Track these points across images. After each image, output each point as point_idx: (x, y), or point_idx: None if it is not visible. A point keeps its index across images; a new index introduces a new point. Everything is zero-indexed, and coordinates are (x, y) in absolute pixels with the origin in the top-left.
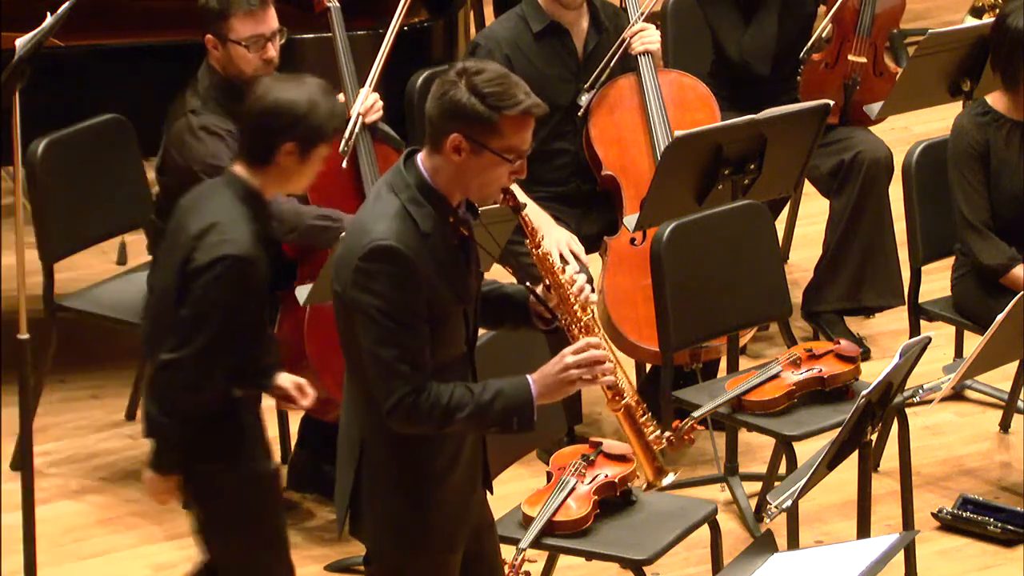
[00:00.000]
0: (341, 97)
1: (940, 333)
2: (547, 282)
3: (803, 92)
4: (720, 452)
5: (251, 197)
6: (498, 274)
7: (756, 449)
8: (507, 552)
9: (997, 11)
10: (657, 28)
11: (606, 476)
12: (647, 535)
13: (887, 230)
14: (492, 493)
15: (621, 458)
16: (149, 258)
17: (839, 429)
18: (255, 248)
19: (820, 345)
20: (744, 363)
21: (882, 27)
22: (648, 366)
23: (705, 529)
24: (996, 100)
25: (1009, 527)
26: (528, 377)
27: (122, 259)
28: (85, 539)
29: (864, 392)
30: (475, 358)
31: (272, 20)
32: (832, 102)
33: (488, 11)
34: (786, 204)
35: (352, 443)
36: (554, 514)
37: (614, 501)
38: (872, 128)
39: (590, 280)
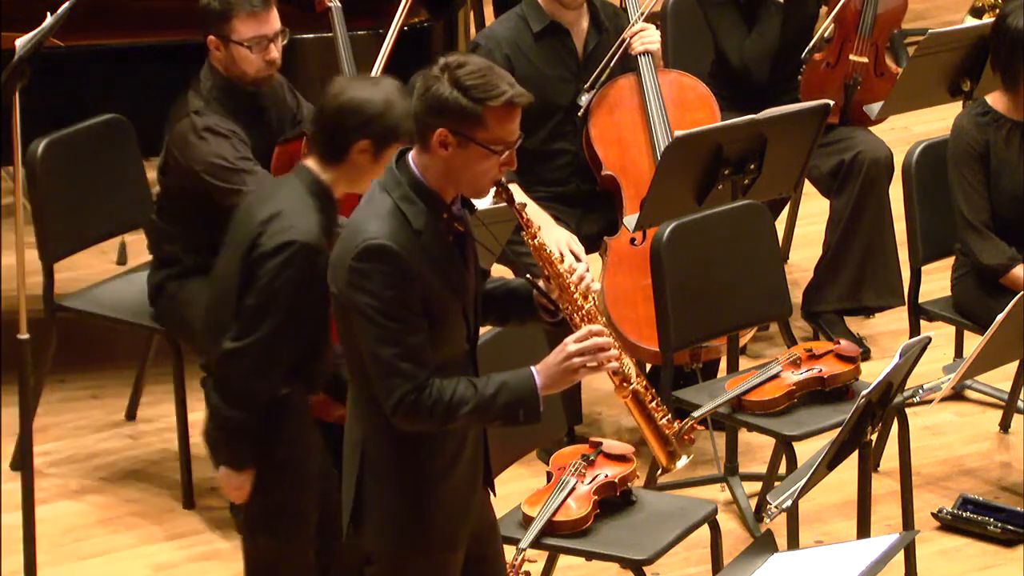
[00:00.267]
0: None
1: (940, 333)
2: (546, 273)
3: (804, 92)
4: (720, 452)
5: (320, 191)
6: (500, 273)
7: (756, 449)
8: (507, 552)
9: (997, 11)
10: (657, 28)
11: (606, 476)
12: (647, 535)
13: (887, 230)
14: (495, 494)
15: (621, 458)
16: (149, 258)
17: (839, 429)
18: (320, 239)
19: (820, 345)
20: (744, 363)
21: (884, 27)
22: (648, 366)
23: (705, 529)
24: (996, 100)
25: (1009, 527)
26: (532, 368)
27: (122, 259)
28: (85, 539)
29: (864, 392)
30: (477, 356)
31: (274, 21)
32: (832, 102)
33: (488, 11)
34: (786, 204)
35: (354, 444)
36: (554, 514)
37: (614, 501)
38: (872, 128)
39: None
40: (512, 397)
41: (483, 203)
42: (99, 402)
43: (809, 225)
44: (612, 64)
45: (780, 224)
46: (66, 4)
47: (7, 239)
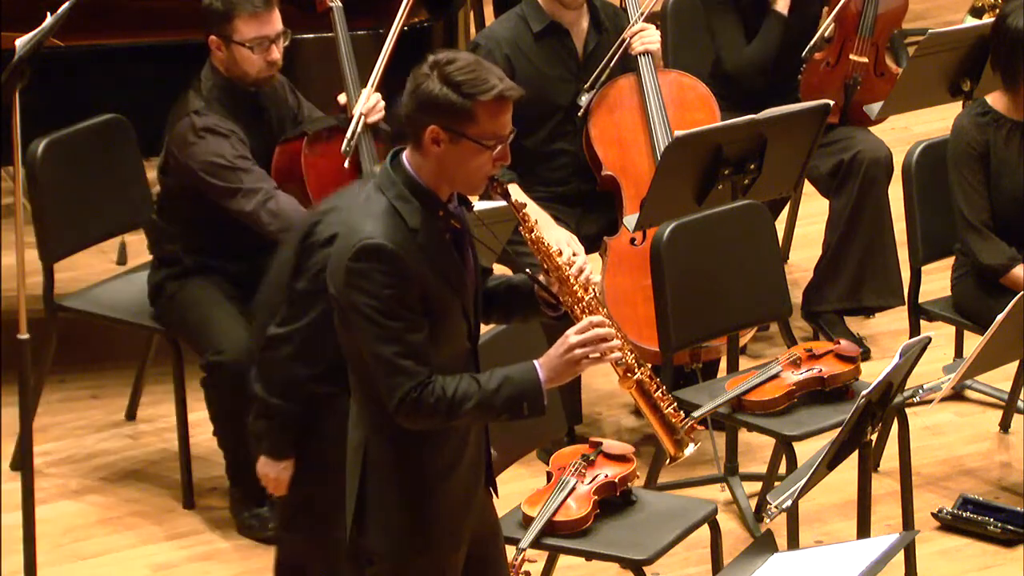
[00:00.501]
0: (343, 98)
1: (940, 333)
2: (545, 266)
3: (804, 91)
4: (720, 452)
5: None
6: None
7: (756, 449)
8: (507, 552)
9: (997, 11)
10: (657, 28)
11: (606, 476)
12: (647, 535)
13: (887, 230)
14: (498, 496)
15: (621, 458)
16: (149, 258)
17: (839, 429)
18: None
19: (820, 345)
20: (744, 363)
21: (884, 27)
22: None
23: (705, 529)
24: (996, 100)
25: (1009, 527)
26: (535, 362)
27: (122, 259)
28: (85, 539)
29: (864, 392)
30: (479, 355)
31: (276, 22)
32: (832, 102)
33: (488, 11)
34: (786, 204)
35: (357, 445)
36: (554, 514)
37: (614, 501)
38: (872, 128)
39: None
40: (515, 391)
41: (486, 203)
42: (99, 402)
43: (809, 225)
44: (612, 64)
45: (780, 224)
46: (66, 4)
47: (7, 239)
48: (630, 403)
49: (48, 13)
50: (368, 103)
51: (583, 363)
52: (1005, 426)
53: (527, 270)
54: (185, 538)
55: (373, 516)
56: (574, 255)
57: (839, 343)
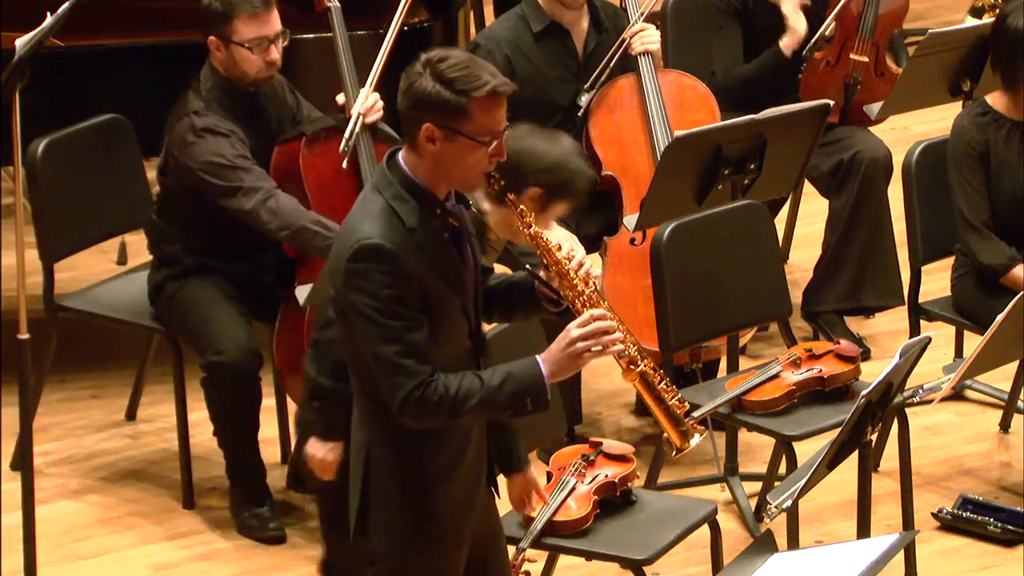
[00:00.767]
0: (341, 98)
1: (940, 333)
2: (545, 261)
3: (804, 91)
4: (720, 452)
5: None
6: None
7: (756, 449)
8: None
9: (997, 11)
10: (657, 28)
11: (606, 476)
12: (647, 535)
13: (886, 230)
14: (500, 496)
15: (621, 458)
16: (149, 258)
17: (839, 429)
18: None
19: (820, 345)
20: (744, 363)
21: (885, 27)
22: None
23: (705, 529)
24: (996, 100)
25: (1009, 527)
26: (537, 357)
27: (122, 259)
28: (85, 539)
29: (864, 392)
30: (480, 354)
31: (275, 22)
32: (832, 102)
33: (488, 11)
34: (784, 202)
35: (359, 446)
36: (554, 514)
37: (614, 501)
38: (872, 128)
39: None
40: (519, 386)
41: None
42: (99, 402)
43: (809, 225)
44: (612, 64)
45: (780, 224)
46: (66, 4)
47: (7, 239)
48: (630, 403)
49: (48, 13)
50: (366, 103)
51: (585, 356)
52: (1005, 426)
53: (527, 266)
54: (185, 538)
55: (375, 516)
56: (572, 251)
57: (839, 343)
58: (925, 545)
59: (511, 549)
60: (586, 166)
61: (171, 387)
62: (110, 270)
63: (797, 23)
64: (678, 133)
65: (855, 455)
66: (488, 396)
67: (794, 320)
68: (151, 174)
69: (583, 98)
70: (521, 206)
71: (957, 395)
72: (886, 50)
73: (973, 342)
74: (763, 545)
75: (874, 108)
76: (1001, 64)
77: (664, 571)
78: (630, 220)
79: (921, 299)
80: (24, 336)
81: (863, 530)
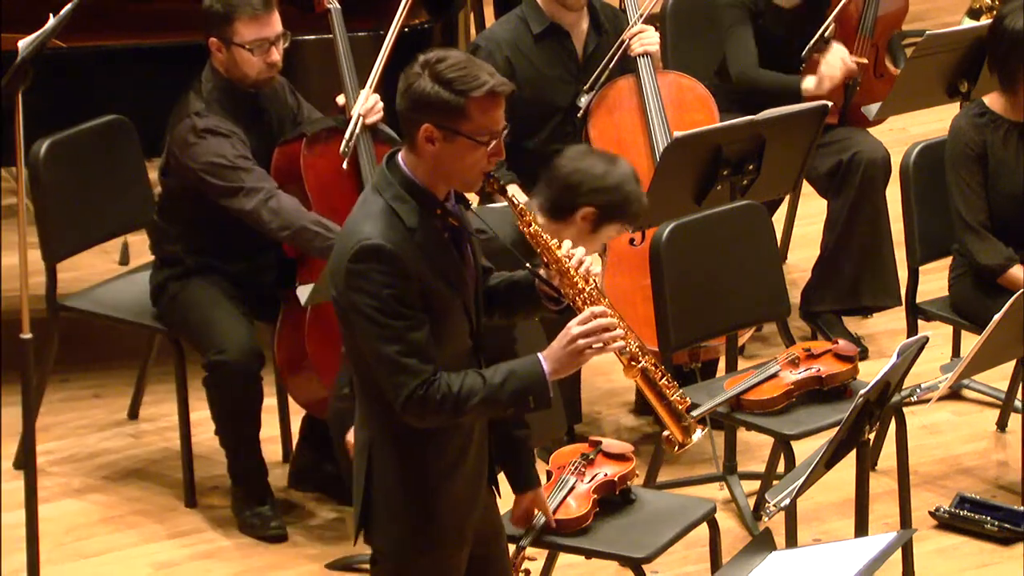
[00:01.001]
0: (341, 99)
1: (937, 333)
2: (545, 259)
3: None
4: (719, 451)
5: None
6: None
7: (754, 448)
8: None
9: (995, 12)
10: (656, 29)
11: (605, 475)
12: (646, 534)
13: (884, 230)
14: (501, 496)
15: (620, 457)
16: (151, 258)
17: (837, 428)
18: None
19: (818, 345)
20: (743, 363)
21: (884, 29)
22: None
23: (704, 528)
24: (993, 101)
25: (1006, 526)
26: (538, 355)
27: (124, 259)
28: (87, 538)
29: (862, 391)
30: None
31: (276, 24)
32: (831, 103)
33: (488, 12)
34: (782, 202)
35: (362, 445)
36: (554, 512)
37: (613, 500)
38: (870, 129)
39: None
40: (521, 384)
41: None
42: (101, 401)
43: (808, 225)
44: (611, 65)
45: (778, 224)
46: (69, 6)
47: (10, 239)
48: (630, 402)
49: (51, 15)
50: (367, 104)
51: (587, 353)
52: (1002, 425)
53: (527, 265)
54: (187, 536)
55: (378, 515)
56: (572, 249)
57: (837, 343)
58: (922, 544)
59: (511, 547)
60: (641, 192)
61: (173, 386)
62: (112, 270)
63: (828, 73)
64: (677, 134)
65: (853, 454)
66: (490, 394)
67: (792, 320)
68: (153, 175)
69: (583, 99)
70: (521, 205)
71: (954, 394)
72: (885, 51)
73: (970, 342)
74: (761, 543)
75: (872, 109)
76: (999, 65)
77: (663, 569)
78: None
79: (919, 299)
80: (27, 336)
81: (861, 528)
